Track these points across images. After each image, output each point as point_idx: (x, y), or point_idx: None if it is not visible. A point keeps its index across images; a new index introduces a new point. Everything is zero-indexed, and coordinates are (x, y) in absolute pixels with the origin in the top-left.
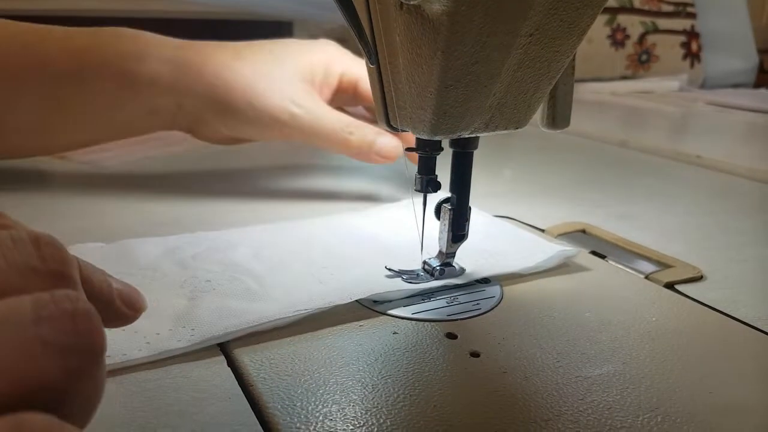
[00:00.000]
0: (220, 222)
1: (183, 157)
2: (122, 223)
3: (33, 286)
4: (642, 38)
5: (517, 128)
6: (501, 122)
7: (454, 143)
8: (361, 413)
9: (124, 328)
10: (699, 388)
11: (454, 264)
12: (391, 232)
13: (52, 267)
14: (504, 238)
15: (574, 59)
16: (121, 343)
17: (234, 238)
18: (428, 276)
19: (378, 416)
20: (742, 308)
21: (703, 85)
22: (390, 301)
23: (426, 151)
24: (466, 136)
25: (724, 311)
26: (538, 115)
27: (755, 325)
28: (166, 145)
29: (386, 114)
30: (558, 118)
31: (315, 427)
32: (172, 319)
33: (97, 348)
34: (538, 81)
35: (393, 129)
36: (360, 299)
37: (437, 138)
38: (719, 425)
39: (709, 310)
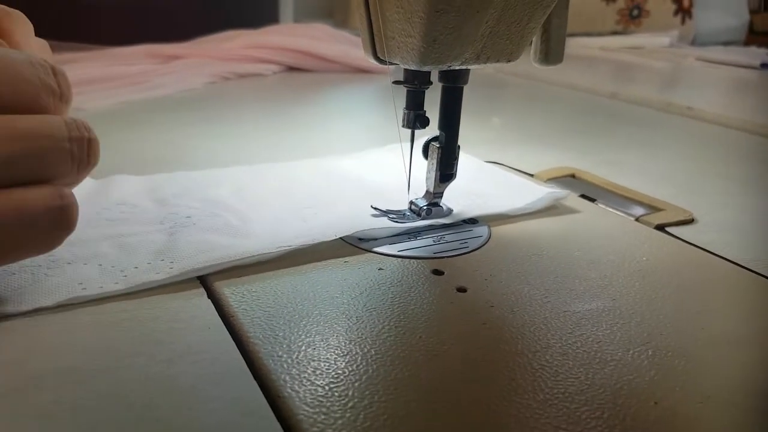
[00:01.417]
0: (201, 163)
1: (164, 101)
2: (102, 161)
3: (53, 106)
4: None
5: (508, 61)
6: (493, 54)
7: (443, 77)
8: (345, 343)
9: (100, 263)
10: (690, 323)
11: (441, 204)
12: (376, 173)
13: (64, 93)
14: (492, 180)
15: None
16: (97, 276)
17: (215, 177)
18: (415, 216)
19: (362, 346)
20: (734, 250)
21: (694, 42)
22: (375, 239)
23: (414, 85)
24: (457, 67)
25: (716, 252)
26: (530, 51)
27: (746, 266)
28: (147, 89)
29: (373, 45)
30: (551, 53)
31: (298, 355)
32: (151, 254)
33: (94, 164)
34: (532, 10)
35: (380, 61)
36: (345, 237)
37: (426, 68)
38: (710, 358)
39: (700, 251)
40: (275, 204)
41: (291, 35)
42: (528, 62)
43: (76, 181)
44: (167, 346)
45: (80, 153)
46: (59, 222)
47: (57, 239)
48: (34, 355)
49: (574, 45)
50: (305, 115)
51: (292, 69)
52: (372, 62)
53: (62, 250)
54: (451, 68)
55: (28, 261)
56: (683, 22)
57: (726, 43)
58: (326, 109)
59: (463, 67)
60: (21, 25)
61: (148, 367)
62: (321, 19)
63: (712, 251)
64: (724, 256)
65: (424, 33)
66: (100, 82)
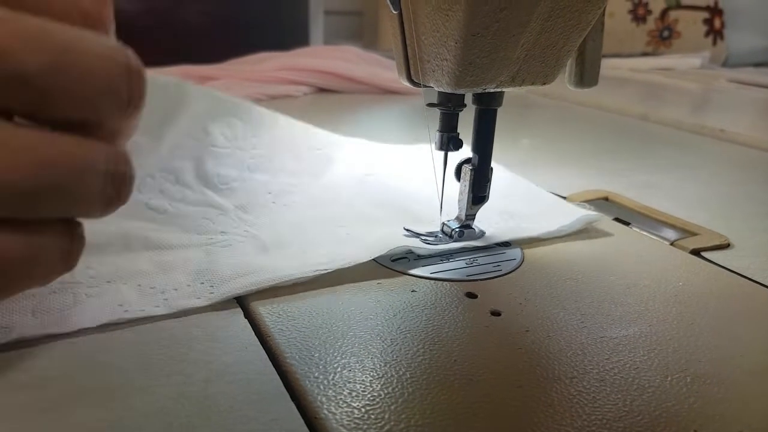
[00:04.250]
0: None
1: None
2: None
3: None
4: (664, 14)
5: (544, 84)
6: (528, 76)
7: (477, 100)
8: (380, 365)
9: (139, 283)
10: (728, 350)
11: (473, 226)
12: (408, 187)
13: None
14: (525, 199)
15: (604, 14)
16: (138, 299)
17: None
18: (447, 238)
19: (398, 368)
20: None
21: (725, 63)
22: (408, 260)
23: (448, 107)
24: (491, 90)
25: (753, 278)
26: (565, 74)
27: None
28: None
29: (407, 67)
30: (586, 76)
31: (333, 377)
32: (190, 274)
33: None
34: (568, 33)
35: (414, 84)
36: (378, 259)
37: (461, 91)
38: (751, 387)
39: (738, 276)
40: (309, 219)
41: (321, 57)
42: (558, 83)
43: (121, 131)
44: (205, 365)
45: (127, 84)
46: (113, 192)
47: (109, 208)
48: (74, 371)
49: (603, 66)
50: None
51: (322, 90)
52: (405, 84)
53: (102, 268)
54: (486, 91)
55: (68, 277)
56: (714, 43)
57: (758, 65)
58: (358, 130)
59: (498, 90)
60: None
61: (186, 387)
62: (350, 41)
63: (748, 277)
64: (761, 281)
65: (459, 56)
66: None
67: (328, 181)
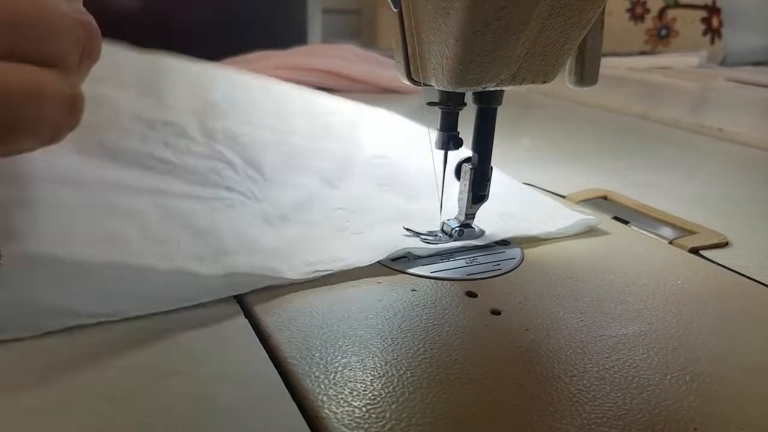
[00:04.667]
0: None
1: None
2: None
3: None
4: (662, 13)
5: (544, 82)
6: (528, 75)
7: (477, 99)
8: (381, 364)
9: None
10: (727, 349)
11: (473, 225)
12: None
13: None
14: (525, 202)
15: (604, 12)
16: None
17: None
18: (447, 237)
19: (398, 368)
20: None
21: (723, 62)
22: (408, 260)
23: (448, 106)
24: (492, 88)
25: (752, 277)
26: (565, 72)
27: None
28: None
29: (407, 66)
30: (586, 74)
31: (335, 376)
32: (192, 236)
33: (96, 58)
34: (568, 31)
35: (414, 82)
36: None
37: (461, 90)
38: (750, 385)
39: (736, 275)
40: (314, 195)
41: (320, 56)
42: (558, 81)
43: (77, 78)
44: (206, 365)
45: (85, 39)
46: (67, 111)
47: (60, 130)
48: (71, 371)
49: (602, 65)
50: None
51: (320, 89)
52: (405, 83)
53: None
54: (486, 89)
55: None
56: (712, 42)
57: (756, 64)
58: None
59: (498, 89)
60: None
61: (187, 387)
62: (348, 39)
63: (747, 275)
64: (759, 280)
65: (460, 54)
66: None
67: (340, 152)
